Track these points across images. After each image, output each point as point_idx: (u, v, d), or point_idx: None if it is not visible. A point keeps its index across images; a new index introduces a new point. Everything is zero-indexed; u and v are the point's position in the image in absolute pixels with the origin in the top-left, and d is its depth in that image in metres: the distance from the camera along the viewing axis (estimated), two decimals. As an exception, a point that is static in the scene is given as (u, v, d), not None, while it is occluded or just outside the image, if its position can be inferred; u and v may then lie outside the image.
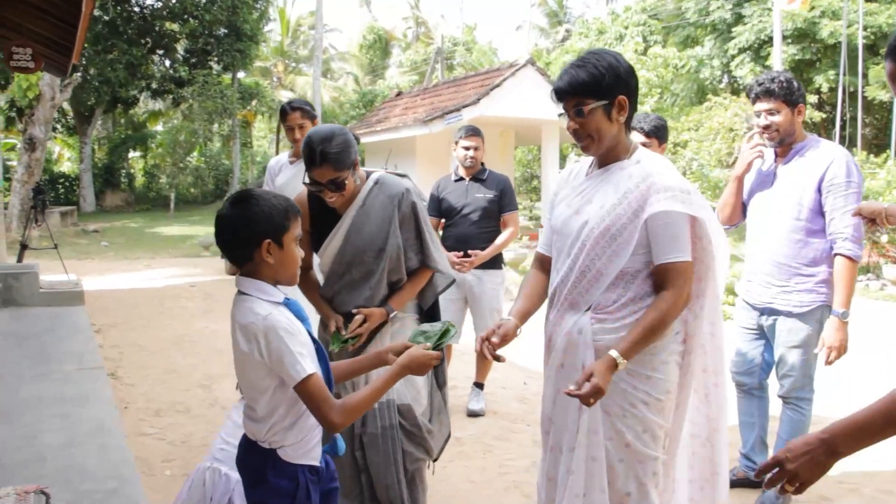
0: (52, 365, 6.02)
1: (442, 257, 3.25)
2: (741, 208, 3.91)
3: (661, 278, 2.43)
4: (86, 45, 23.59)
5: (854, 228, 3.49)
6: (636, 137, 4.52)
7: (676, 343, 2.53)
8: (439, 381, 3.28)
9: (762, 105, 3.67)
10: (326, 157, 2.85)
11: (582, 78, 2.42)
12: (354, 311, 3.00)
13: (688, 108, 25.13)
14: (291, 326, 2.07)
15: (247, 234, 2.07)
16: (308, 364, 2.03)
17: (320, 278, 3.26)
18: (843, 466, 4.31)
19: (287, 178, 4.53)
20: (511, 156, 21.52)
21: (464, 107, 16.33)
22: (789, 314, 3.65)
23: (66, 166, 34.42)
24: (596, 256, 2.45)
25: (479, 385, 5.34)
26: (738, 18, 25.87)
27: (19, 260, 10.04)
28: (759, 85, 3.68)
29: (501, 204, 5.15)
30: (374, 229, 3.04)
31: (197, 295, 10.97)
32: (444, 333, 2.35)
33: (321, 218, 3.11)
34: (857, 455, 1.66)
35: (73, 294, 8.81)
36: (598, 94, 2.42)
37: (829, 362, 3.54)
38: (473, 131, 5.22)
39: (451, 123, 15.73)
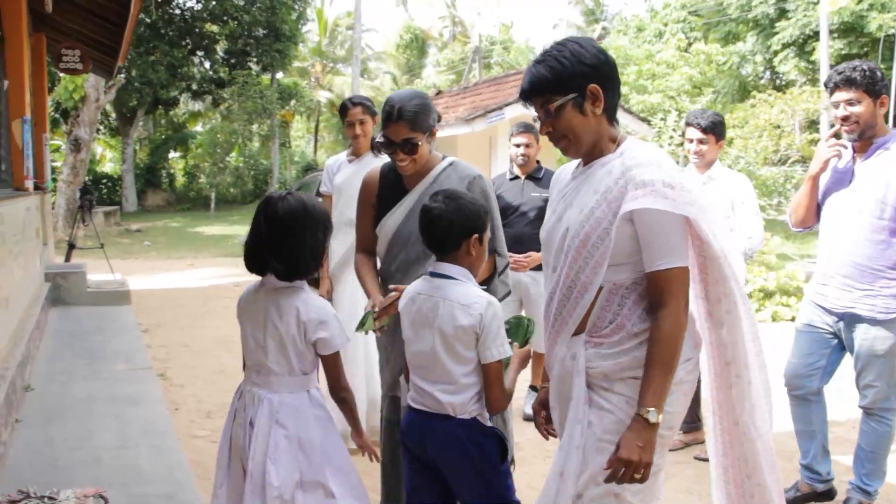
0: (102, 364, 6.03)
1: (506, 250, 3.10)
2: (816, 209, 3.69)
3: (653, 290, 2.09)
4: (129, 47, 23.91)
5: None
6: (692, 133, 4.35)
7: (684, 371, 2.18)
8: None
9: (841, 95, 3.45)
10: (403, 114, 2.81)
11: (542, 74, 2.15)
12: (391, 286, 2.82)
13: (730, 105, 24.74)
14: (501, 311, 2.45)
15: (461, 225, 2.42)
16: (509, 347, 2.40)
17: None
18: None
19: (346, 177, 4.45)
20: (554, 154, 21.34)
21: (506, 105, 16.18)
22: (873, 321, 3.42)
23: (108, 167, 34.88)
24: (580, 269, 2.13)
25: (534, 388, 5.22)
26: (782, 13, 25.41)
27: (67, 259, 10.14)
28: (839, 73, 3.46)
29: (559, 203, 5.02)
30: None
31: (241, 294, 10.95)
32: (525, 329, 2.58)
33: (390, 197, 3.02)
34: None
35: (119, 294, 8.87)
36: (563, 89, 2.13)
37: None
38: (525, 128, 5.09)
39: (493, 122, 15.61)
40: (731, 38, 28.90)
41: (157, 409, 4.94)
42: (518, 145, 5.05)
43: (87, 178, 22.81)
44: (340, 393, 2.56)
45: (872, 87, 3.40)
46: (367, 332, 2.81)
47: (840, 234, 3.53)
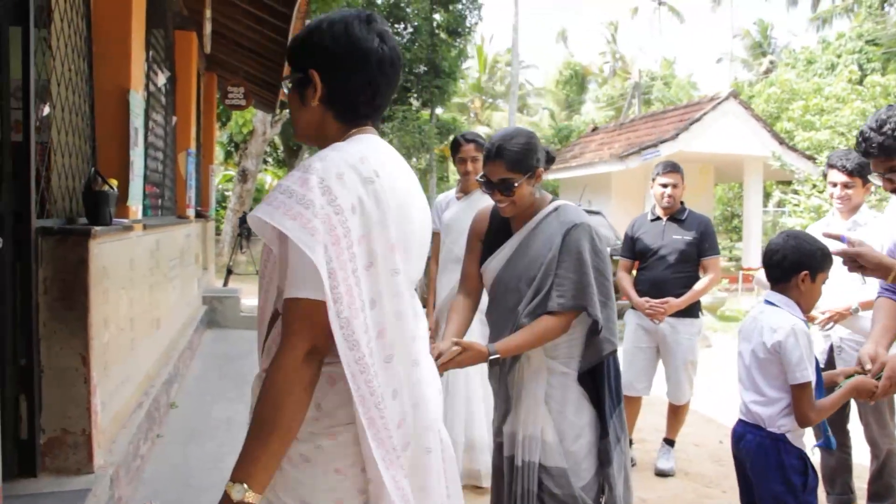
0: (246, 388, 6.22)
1: (606, 313, 2.73)
2: None
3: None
4: (296, 84, 25.20)
5: None
6: (836, 177, 3.94)
7: (328, 438, 1.63)
8: (605, 460, 2.79)
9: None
10: (502, 153, 2.71)
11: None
12: (454, 341, 2.68)
13: (912, 142, 22.94)
14: (809, 339, 2.65)
15: (793, 260, 2.70)
16: (809, 372, 2.59)
17: None
18: None
19: (454, 214, 4.39)
20: (711, 193, 20.59)
21: (662, 142, 15.81)
22: None
23: (276, 197, 36.80)
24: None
25: (669, 441, 4.92)
26: (976, 43, 23.45)
27: (225, 284, 10.68)
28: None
29: (701, 248, 4.71)
30: (534, 255, 2.77)
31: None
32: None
33: (495, 239, 2.91)
34: None
35: (270, 319, 9.22)
36: (291, 64, 1.76)
37: None
38: (672, 167, 4.85)
39: (648, 159, 15.26)
40: (916, 69, 26.94)
41: (289, 436, 5.03)
42: (665, 185, 4.81)
43: (253, 206, 24.14)
44: None
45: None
46: None
47: None
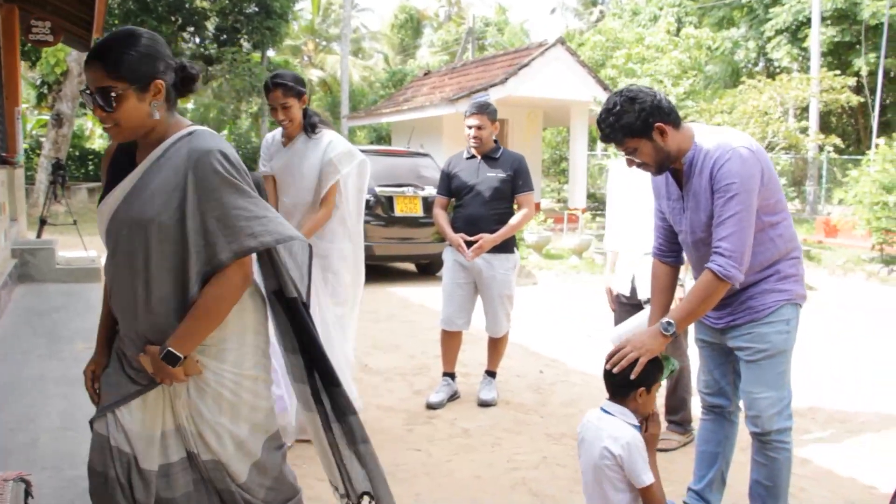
0: (61, 344, 5.93)
1: (249, 236, 2.11)
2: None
3: None
4: (116, 22, 23.57)
5: None
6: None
7: None
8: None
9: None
10: (103, 54, 2.04)
11: None
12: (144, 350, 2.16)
13: (721, 90, 24.61)
14: (643, 447, 2.66)
15: (631, 379, 2.71)
16: (650, 475, 2.59)
17: None
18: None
19: (283, 163, 4.18)
20: (539, 136, 21.24)
21: (491, 86, 16.10)
22: None
23: (98, 143, 34.59)
24: None
25: (490, 373, 5.12)
26: (776, -1, 25.27)
27: (38, 235, 10.01)
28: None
29: (515, 184, 4.85)
30: (154, 190, 2.11)
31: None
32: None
33: (119, 173, 2.21)
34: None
35: (89, 271, 8.76)
36: None
37: None
38: (478, 109, 4.83)
39: (478, 103, 15.52)
40: (725, 23, 28.74)
41: (107, 390, 4.84)
42: (471, 127, 4.87)
43: (73, 154, 22.56)
44: None
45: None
46: None
47: None
